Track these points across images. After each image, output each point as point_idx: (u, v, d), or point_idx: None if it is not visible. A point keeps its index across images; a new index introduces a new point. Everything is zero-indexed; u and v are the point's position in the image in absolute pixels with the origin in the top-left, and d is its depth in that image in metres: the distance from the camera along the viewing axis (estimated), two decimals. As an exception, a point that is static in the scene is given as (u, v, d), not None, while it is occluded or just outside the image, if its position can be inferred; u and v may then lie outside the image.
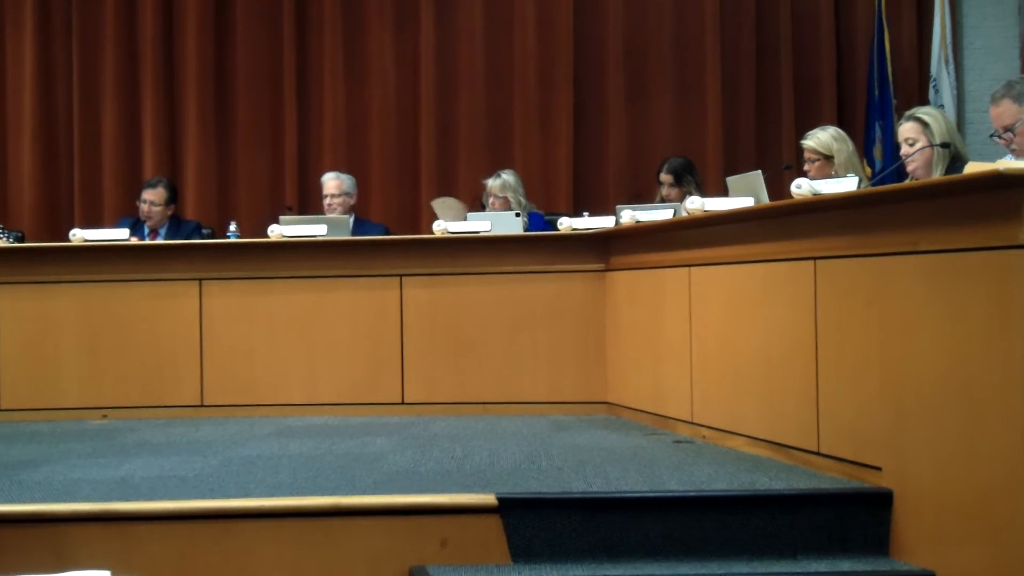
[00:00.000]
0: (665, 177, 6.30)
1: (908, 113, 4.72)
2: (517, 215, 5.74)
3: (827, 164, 5.06)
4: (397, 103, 7.61)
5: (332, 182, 6.46)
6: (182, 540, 3.20)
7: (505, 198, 6.22)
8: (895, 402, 3.17)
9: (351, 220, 6.13)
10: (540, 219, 6.24)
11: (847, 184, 3.91)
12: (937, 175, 4.46)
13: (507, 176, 6.29)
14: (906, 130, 4.66)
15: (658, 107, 7.63)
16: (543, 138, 7.57)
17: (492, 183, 6.30)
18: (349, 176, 6.56)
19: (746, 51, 7.65)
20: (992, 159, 4.07)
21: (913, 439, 3.10)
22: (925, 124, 4.58)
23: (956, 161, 4.49)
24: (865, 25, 7.62)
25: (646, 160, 7.37)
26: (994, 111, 4.32)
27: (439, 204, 6.01)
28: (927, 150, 4.53)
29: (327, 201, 6.43)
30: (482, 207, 6.34)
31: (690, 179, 6.25)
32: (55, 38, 7.59)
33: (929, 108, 4.81)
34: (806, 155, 5.15)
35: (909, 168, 4.65)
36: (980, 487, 2.83)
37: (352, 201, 6.50)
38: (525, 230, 5.77)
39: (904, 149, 4.66)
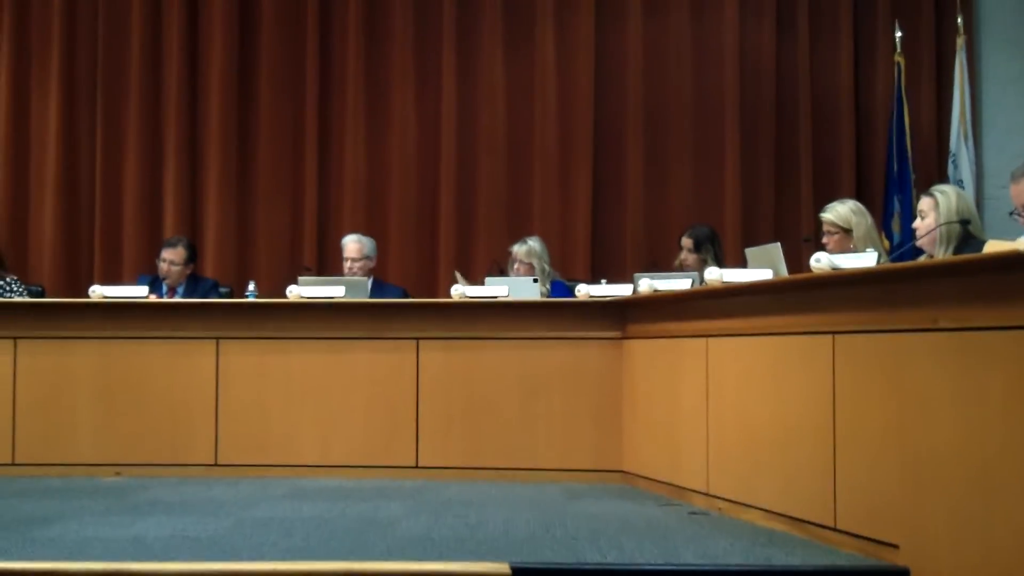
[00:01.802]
0: (686, 242, 6.30)
1: (930, 188, 4.75)
2: (535, 281, 5.75)
3: (846, 237, 5.07)
4: (417, 166, 7.66)
5: (353, 245, 6.48)
6: (193, 602, 3.19)
7: (530, 264, 6.25)
8: (912, 479, 3.15)
9: (369, 282, 6.14)
10: (563, 287, 6.24)
11: (866, 259, 3.92)
12: (941, 253, 4.47)
13: (533, 243, 6.32)
14: (921, 204, 4.71)
15: (677, 176, 7.66)
16: (562, 204, 7.61)
17: (518, 248, 6.34)
18: (370, 239, 6.58)
19: (765, 122, 7.69)
20: (1012, 237, 4.07)
21: (930, 516, 3.08)
22: (938, 202, 4.60)
23: (970, 239, 4.49)
24: (884, 98, 7.65)
25: (664, 229, 7.41)
26: (1014, 189, 4.34)
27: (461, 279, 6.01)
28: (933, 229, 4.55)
29: (347, 265, 6.44)
30: (500, 271, 6.35)
31: (710, 248, 6.25)
32: (80, 97, 7.68)
33: (947, 186, 4.84)
34: (825, 228, 5.17)
35: (919, 244, 4.68)
36: (997, 565, 2.81)
37: (372, 264, 6.51)
38: (546, 296, 5.76)
39: (916, 222, 4.70)
